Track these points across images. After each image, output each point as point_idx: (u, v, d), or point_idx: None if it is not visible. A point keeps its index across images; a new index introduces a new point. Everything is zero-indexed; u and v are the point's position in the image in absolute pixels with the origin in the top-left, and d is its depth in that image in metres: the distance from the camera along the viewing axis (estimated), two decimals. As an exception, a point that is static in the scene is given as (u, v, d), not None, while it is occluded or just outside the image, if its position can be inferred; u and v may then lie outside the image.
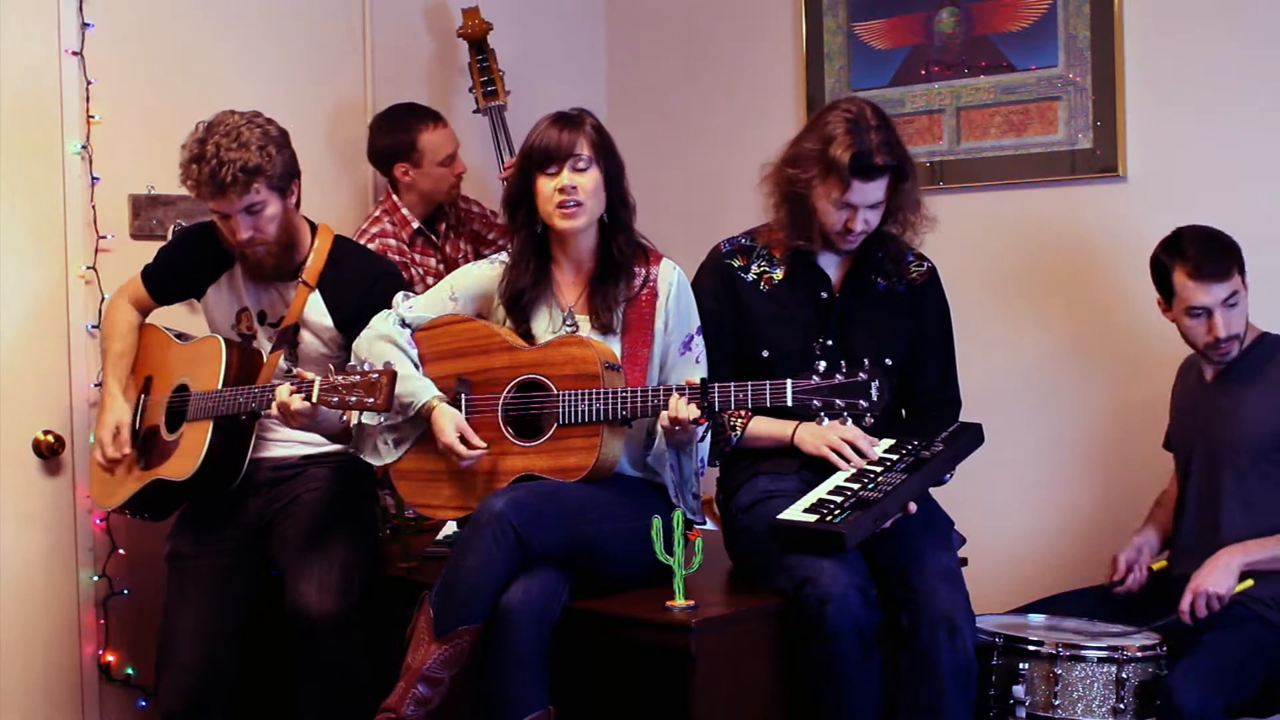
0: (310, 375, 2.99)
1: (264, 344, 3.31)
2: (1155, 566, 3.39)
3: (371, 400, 2.88)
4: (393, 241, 3.98)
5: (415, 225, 4.04)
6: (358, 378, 2.90)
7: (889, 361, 3.10)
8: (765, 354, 3.17)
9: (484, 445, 2.98)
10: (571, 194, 2.99)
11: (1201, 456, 3.31)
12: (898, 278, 3.22)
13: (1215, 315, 3.19)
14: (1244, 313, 3.24)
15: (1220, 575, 3.11)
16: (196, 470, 3.16)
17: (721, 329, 3.18)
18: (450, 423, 2.98)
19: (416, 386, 3.03)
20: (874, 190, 3.05)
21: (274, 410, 3.03)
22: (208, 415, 3.18)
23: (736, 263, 3.23)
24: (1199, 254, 3.20)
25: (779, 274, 3.21)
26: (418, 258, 4.04)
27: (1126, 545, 3.42)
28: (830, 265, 3.21)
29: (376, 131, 4.05)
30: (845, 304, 3.19)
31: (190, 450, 3.19)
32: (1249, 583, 3.12)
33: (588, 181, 3.01)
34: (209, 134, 3.10)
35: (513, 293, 3.10)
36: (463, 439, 2.96)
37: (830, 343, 3.13)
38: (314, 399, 2.94)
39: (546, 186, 3.01)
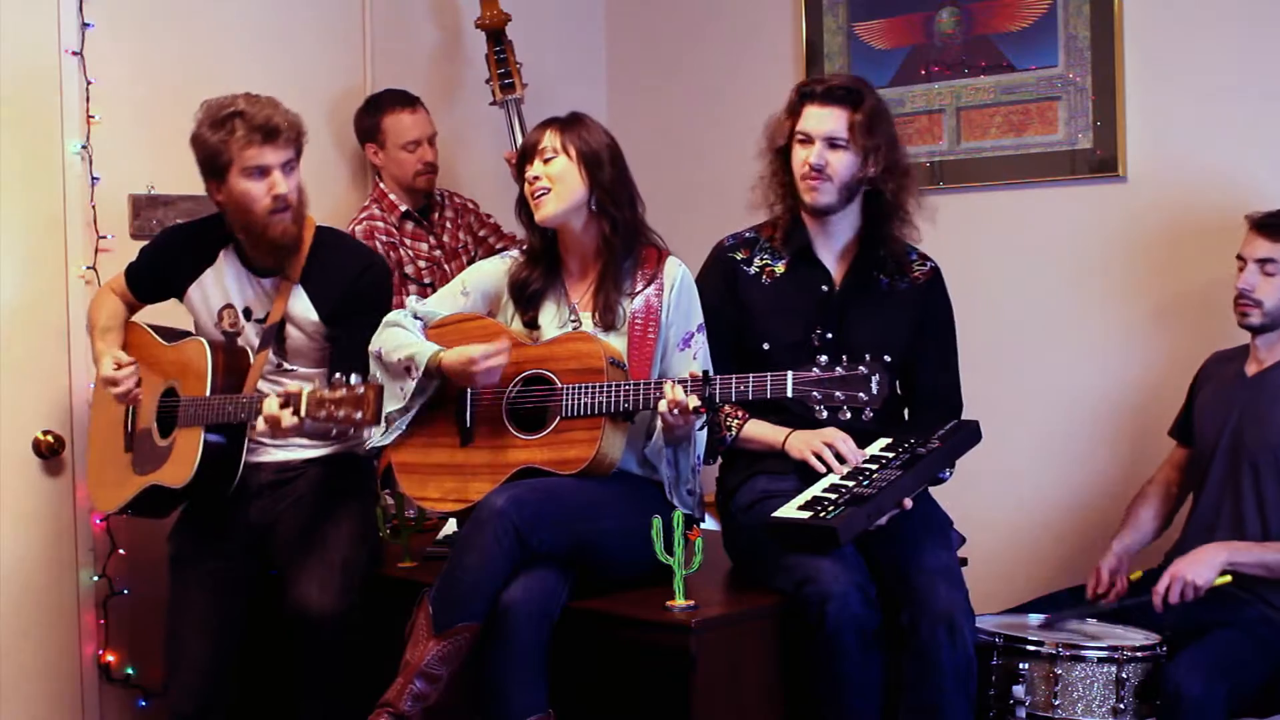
0: (296, 387, 2.96)
1: (251, 340, 3.27)
2: (1133, 577, 3.38)
3: (360, 415, 2.85)
4: (381, 224, 4.01)
5: (404, 209, 4.08)
6: (344, 392, 2.86)
7: (888, 357, 3.09)
8: (765, 346, 3.17)
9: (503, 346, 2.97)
10: (534, 183, 3.06)
11: (1227, 453, 3.28)
12: (899, 275, 3.23)
13: (1247, 267, 3.26)
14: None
15: (1202, 567, 3.10)
16: (192, 478, 3.14)
17: (722, 324, 3.19)
18: (465, 351, 2.96)
19: (416, 350, 3.03)
20: (828, 118, 3.09)
21: (260, 424, 2.97)
22: (198, 422, 3.15)
23: (739, 255, 3.24)
24: (1270, 213, 3.26)
25: (781, 267, 3.22)
26: (408, 240, 4.06)
27: (1107, 553, 3.41)
28: (831, 260, 3.22)
29: (356, 114, 4.12)
30: (845, 298, 3.19)
31: (184, 457, 3.18)
32: (1227, 578, 3.11)
33: (553, 169, 3.06)
34: (233, 100, 3.10)
35: (518, 284, 3.14)
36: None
37: (829, 335, 3.14)
38: (303, 414, 2.90)
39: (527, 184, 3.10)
